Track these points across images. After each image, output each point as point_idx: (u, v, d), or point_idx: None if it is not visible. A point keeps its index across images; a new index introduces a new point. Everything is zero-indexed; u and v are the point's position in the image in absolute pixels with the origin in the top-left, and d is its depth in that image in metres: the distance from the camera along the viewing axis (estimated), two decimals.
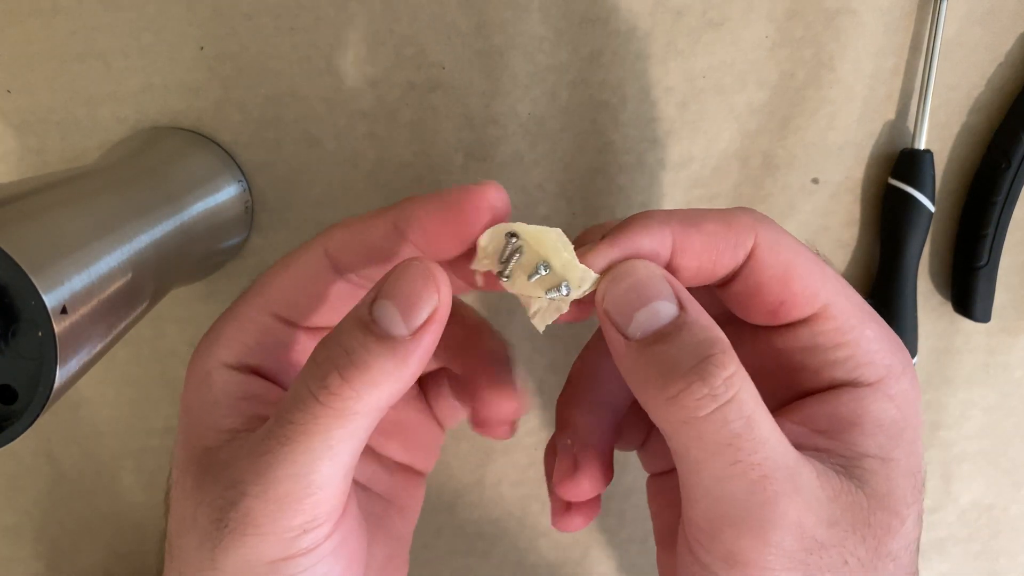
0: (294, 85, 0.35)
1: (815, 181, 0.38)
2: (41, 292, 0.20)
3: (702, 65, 0.36)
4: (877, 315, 0.24)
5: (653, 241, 0.23)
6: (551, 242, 0.23)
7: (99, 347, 0.23)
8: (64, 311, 0.20)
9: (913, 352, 0.39)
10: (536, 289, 0.23)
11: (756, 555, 0.21)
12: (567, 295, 0.23)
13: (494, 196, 0.23)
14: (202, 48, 0.35)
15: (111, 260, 0.24)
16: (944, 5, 0.35)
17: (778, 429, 0.21)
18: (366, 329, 0.21)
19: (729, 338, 0.22)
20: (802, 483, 0.21)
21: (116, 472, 0.41)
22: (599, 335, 0.28)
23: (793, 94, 0.37)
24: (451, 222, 0.23)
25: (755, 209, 0.24)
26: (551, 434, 0.41)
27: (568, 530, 0.27)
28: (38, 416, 0.21)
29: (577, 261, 0.23)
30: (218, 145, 0.36)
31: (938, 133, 0.38)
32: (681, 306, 0.22)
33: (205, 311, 0.38)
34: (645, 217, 0.24)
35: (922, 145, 0.37)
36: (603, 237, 0.24)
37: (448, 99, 0.36)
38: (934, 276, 0.40)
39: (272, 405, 0.24)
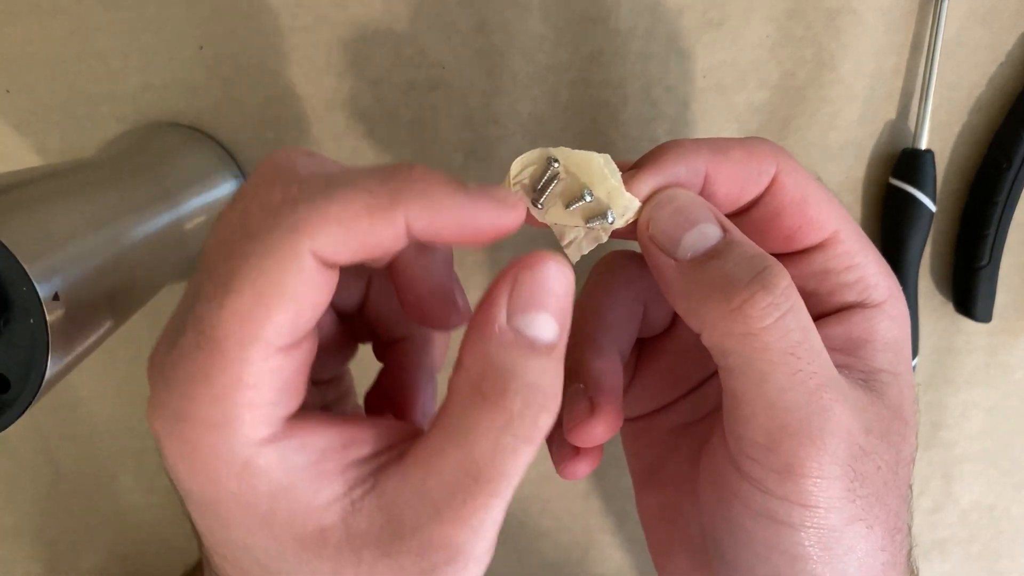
0: (293, 85, 0.35)
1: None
2: (34, 280, 0.20)
3: (703, 64, 0.36)
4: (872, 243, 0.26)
5: (688, 169, 0.24)
6: (597, 167, 0.22)
7: (92, 338, 0.23)
8: (56, 298, 0.20)
9: (914, 352, 0.39)
10: (574, 218, 0.22)
11: (815, 463, 0.22)
12: (611, 223, 0.22)
13: (517, 222, 0.21)
14: (201, 48, 0.35)
15: (106, 252, 0.24)
16: (945, 4, 0.35)
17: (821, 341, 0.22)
18: (532, 351, 0.20)
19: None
20: (847, 393, 0.22)
21: (115, 473, 0.41)
22: (597, 279, 0.28)
23: (794, 94, 0.37)
24: (469, 237, 0.21)
25: (769, 139, 0.25)
26: (550, 433, 0.41)
27: (575, 477, 0.27)
28: (30, 404, 0.21)
29: (623, 188, 0.22)
30: (216, 142, 0.36)
31: (939, 133, 0.38)
32: (724, 228, 0.23)
33: None
34: (678, 146, 0.24)
35: (923, 145, 0.37)
36: (639, 165, 0.24)
37: (448, 99, 0.36)
38: (935, 276, 0.40)
39: (354, 446, 0.21)
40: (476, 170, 0.37)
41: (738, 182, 0.24)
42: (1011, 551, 0.45)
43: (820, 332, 0.24)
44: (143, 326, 0.38)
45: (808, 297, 0.25)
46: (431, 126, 0.36)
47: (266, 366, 0.20)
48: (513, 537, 0.43)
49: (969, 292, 0.39)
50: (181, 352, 0.20)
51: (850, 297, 0.25)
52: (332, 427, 0.21)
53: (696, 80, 0.36)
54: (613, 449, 0.42)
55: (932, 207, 0.37)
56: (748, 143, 0.25)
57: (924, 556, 0.45)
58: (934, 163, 0.37)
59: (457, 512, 0.20)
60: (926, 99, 0.36)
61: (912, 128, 0.37)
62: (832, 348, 0.24)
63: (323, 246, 0.19)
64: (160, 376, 0.20)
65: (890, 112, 0.37)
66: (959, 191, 0.39)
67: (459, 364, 0.20)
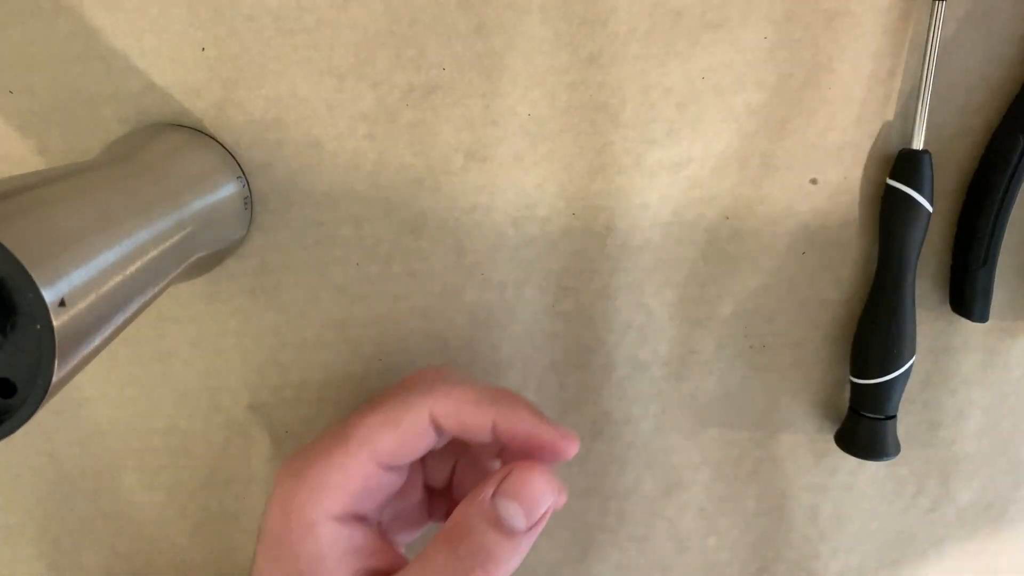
0: (295, 86, 0.35)
1: (813, 182, 0.38)
2: (39, 285, 0.20)
3: (701, 66, 0.36)
4: None
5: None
6: None
7: (98, 341, 0.23)
8: (63, 304, 0.20)
9: (911, 352, 0.39)
10: None
11: None
12: None
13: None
14: (203, 49, 0.35)
15: (110, 255, 0.24)
16: (942, 6, 0.35)
17: None
18: (497, 526, 0.26)
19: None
20: None
21: (118, 472, 0.41)
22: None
23: (791, 95, 0.37)
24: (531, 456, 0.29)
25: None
26: None
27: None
28: (37, 409, 0.21)
29: None
30: (218, 143, 0.36)
31: (936, 134, 0.38)
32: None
33: (207, 311, 0.39)
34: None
35: (920, 146, 0.37)
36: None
37: (448, 100, 0.36)
38: (932, 276, 0.40)
39: (375, 556, 0.29)
40: (476, 171, 0.37)
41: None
42: (1009, 550, 0.46)
43: None
44: (146, 327, 0.39)
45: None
46: (431, 127, 0.36)
47: (364, 469, 0.28)
48: None
49: (966, 292, 0.39)
50: (322, 436, 0.30)
51: None
52: (373, 538, 0.29)
53: (694, 82, 0.36)
54: (613, 449, 0.42)
55: (929, 208, 0.37)
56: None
57: (922, 555, 0.45)
58: (931, 164, 0.37)
59: None
60: (923, 100, 0.36)
61: (909, 129, 0.37)
62: None
63: (438, 410, 0.29)
64: (302, 448, 0.30)
65: (888, 113, 0.38)
66: (956, 192, 0.39)
67: (448, 518, 0.27)
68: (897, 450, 0.41)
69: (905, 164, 0.37)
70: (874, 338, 0.39)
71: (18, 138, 0.36)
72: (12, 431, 0.21)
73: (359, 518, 0.29)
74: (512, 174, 0.37)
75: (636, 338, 0.40)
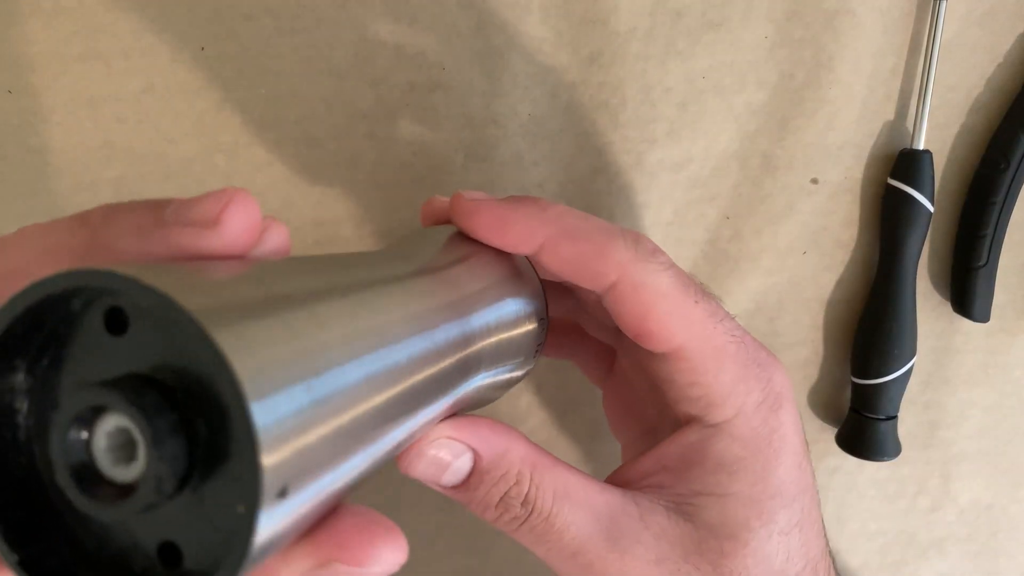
0: (294, 86, 0.35)
1: (814, 181, 0.38)
2: (263, 466, 0.13)
3: (702, 66, 0.36)
4: (746, 357, 0.26)
5: (523, 230, 0.25)
6: None
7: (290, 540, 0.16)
8: (283, 495, 0.14)
9: (912, 352, 0.39)
10: None
11: None
12: None
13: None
14: (203, 49, 0.35)
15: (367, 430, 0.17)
16: (943, 5, 0.35)
17: (587, 496, 0.25)
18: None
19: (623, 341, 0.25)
20: (623, 533, 0.24)
21: None
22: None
23: (792, 94, 0.37)
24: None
25: (656, 245, 0.26)
26: (551, 435, 0.41)
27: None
28: None
29: None
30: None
31: (937, 133, 0.38)
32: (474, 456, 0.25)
33: None
34: (531, 202, 0.25)
35: (921, 145, 0.37)
36: None
37: (448, 99, 0.36)
38: (933, 276, 0.40)
39: None
40: (476, 171, 0.37)
41: (570, 267, 0.25)
42: (1009, 550, 0.46)
43: (660, 449, 0.27)
44: None
45: (662, 395, 0.27)
46: (431, 126, 0.36)
47: None
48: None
49: (967, 292, 0.39)
50: None
51: (692, 410, 0.26)
52: None
53: (695, 81, 0.36)
54: (614, 450, 0.42)
55: (930, 207, 0.37)
56: (607, 240, 0.25)
57: (922, 555, 0.45)
58: (932, 164, 0.37)
59: None
60: (924, 100, 0.36)
61: (910, 129, 0.37)
62: (665, 466, 0.26)
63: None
64: None
65: (888, 113, 0.38)
66: (957, 191, 0.39)
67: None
68: (898, 450, 0.40)
69: (906, 163, 0.37)
70: (875, 338, 0.39)
71: (18, 138, 0.36)
72: None
73: None
74: (512, 174, 0.37)
75: None
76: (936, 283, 0.40)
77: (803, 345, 0.41)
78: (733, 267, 0.39)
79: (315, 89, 0.35)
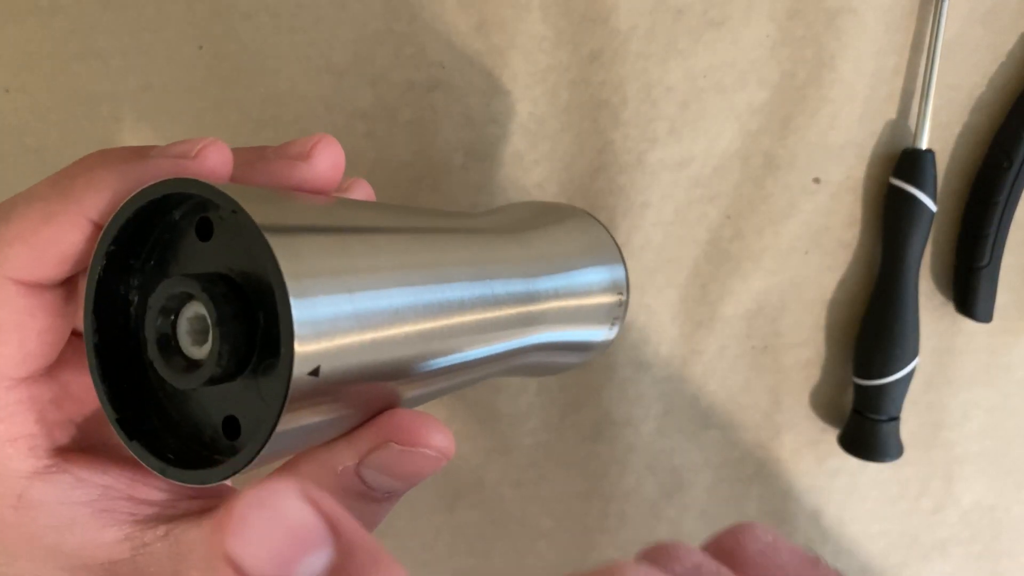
0: (293, 84, 0.35)
1: (816, 181, 0.38)
2: (297, 345, 0.16)
3: (703, 64, 0.36)
4: None
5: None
6: None
7: (331, 422, 0.19)
8: (315, 373, 0.17)
9: (915, 353, 0.39)
10: None
11: None
12: None
13: (200, 172, 0.20)
14: (201, 47, 0.35)
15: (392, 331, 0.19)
16: (945, 4, 0.35)
17: None
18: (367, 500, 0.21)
19: None
20: None
21: None
22: None
23: (794, 93, 0.37)
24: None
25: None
26: (551, 435, 0.41)
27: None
28: (251, 461, 0.18)
29: None
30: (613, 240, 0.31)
31: (940, 133, 0.38)
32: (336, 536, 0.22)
33: None
34: None
35: (924, 145, 0.37)
36: None
37: (448, 98, 0.36)
38: (936, 276, 0.40)
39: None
40: (476, 170, 0.37)
41: None
42: (1012, 551, 0.45)
43: None
44: None
45: None
46: (431, 126, 0.36)
47: (11, 397, 0.20)
48: (513, 537, 0.43)
49: (970, 292, 0.39)
50: None
51: None
52: (115, 466, 0.21)
53: (696, 80, 0.36)
54: (614, 451, 0.42)
55: (933, 207, 0.37)
56: None
57: (925, 557, 0.45)
58: (935, 163, 0.37)
59: None
60: (927, 99, 0.36)
61: (913, 128, 0.37)
62: None
63: (15, 269, 0.19)
64: None
65: (891, 112, 0.37)
66: (960, 191, 0.39)
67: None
68: (900, 451, 0.40)
69: (908, 163, 0.37)
70: (877, 338, 0.39)
71: (15, 136, 0.35)
72: (219, 479, 0.18)
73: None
74: (512, 173, 0.37)
75: (637, 338, 0.40)
76: (939, 283, 0.40)
77: (805, 346, 0.41)
78: (735, 267, 0.39)
79: (314, 88, 0.35)
